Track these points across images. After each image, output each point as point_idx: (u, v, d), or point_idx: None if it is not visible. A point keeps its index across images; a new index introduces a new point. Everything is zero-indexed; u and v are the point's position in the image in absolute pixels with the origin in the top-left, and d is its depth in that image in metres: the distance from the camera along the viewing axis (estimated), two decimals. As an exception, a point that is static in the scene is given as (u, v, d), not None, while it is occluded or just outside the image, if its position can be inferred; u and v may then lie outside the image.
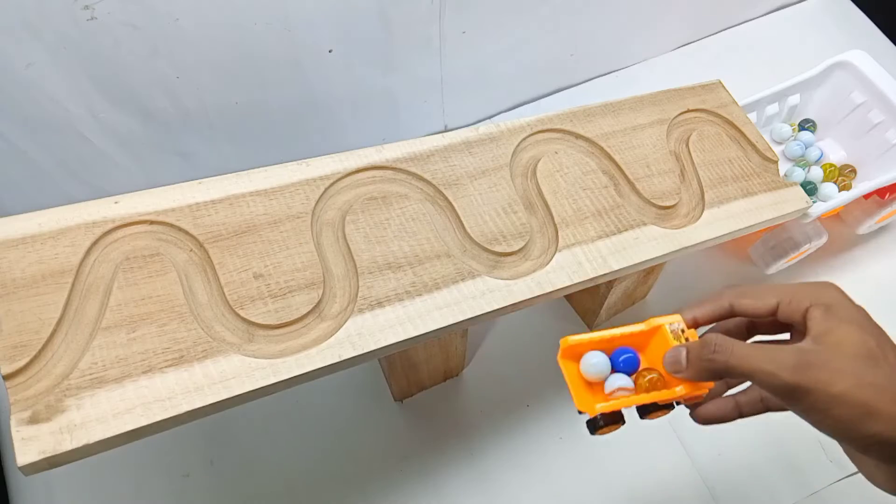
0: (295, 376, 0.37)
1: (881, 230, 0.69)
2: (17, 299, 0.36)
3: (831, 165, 0.64)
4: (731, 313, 0.36)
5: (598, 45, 0.76)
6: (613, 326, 0.36)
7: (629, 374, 0.36)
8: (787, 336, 0.37)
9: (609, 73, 0.80)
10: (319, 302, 0.40)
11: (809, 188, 0.61)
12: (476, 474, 0.56)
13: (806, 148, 0.65)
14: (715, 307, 0.36)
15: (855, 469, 0.56)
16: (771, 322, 0.36)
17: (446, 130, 0.76)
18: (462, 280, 0.43)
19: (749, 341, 0.38)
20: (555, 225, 0.47)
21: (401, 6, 0.59)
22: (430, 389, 0.60)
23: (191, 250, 0.40)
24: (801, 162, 0.65)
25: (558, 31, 0.71)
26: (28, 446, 0.32)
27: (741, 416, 0.36)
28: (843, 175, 0.65)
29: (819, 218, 0.58)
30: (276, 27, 0.55)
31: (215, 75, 0.57)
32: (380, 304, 0.41)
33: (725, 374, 0.32)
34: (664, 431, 0.58)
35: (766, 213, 0.52)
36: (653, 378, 0.35)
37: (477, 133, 0.50)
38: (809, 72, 0.64)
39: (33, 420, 0.33)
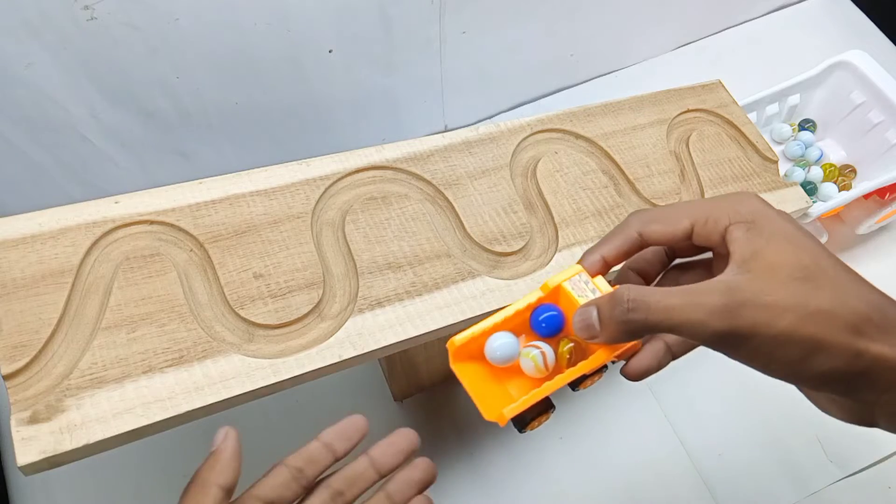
0: (295, 376, 0.38)
1: (881, 230, 0.69)
2: (17, 299, 0.36)
3: (831, 165, 0.64)
4: (642, 244, 0.31)
5: (598, 45, 0.76)
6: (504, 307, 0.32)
7: (556, 336, 0.31)
8: (710, 255, 0.33)
9: (609, 73, 0.80)
10: (319, 302, 0.40)
11: (809, 188, 0.61)
12: (476, 474, 0.56)
13: (806, 148, 0.65)
14: (623, 240, 0.31)
15: (855, 469, 0.56)
16: (689, 245, 0.32)
17: (446, 130, 0.76)
18: (462, 280, 0.43)
19: (670, 266, 0.34)
20: (555, 225, 0.47)
21: (401, 6, 0.59)
22: (430, 389, 0.60)
23: (191, 250, 0.40)
24: (801, 162, 0.65)
25: (558, 30, 0.71)
26: (28, 446, 0.32)
27: (674, 357, 0.32)
28: (843, 175, 0.65)
29: (819, 218, 0.58)
30: (276, 27, 0.55)
31: (215, 75, 0.57)
32: (380, 304, 0.41)
33: (648, 332, 0.28)
34: (664, 431, 0.58)
35: (766, 213, 0.52)
36: (571, 348, 0.31)
37: (477, 133, 0.49)
38: (809, 72, 0.64)
39: (33, 420, 0.33)
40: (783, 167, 0.63)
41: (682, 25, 0.80)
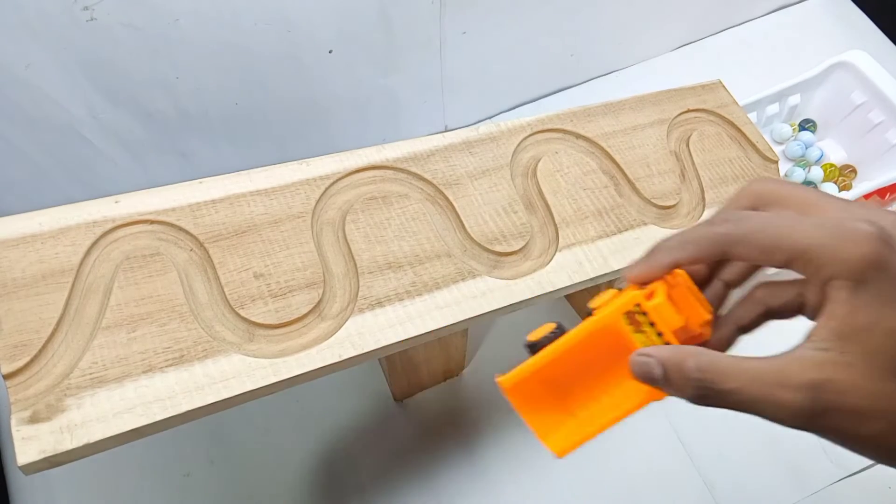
0: (295, 376, 0.37)
1: (881, 230, 0.69)
2: (18, 299, 0.36)
3: (831, 165, 0.64)
4: (724, 257, 0.27)
5: (598, 45, 0.76)
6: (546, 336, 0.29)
7: None
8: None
9: (609, 73, 0.80)
10: (320, 301, 0.40)
11: (809, 188, 0.61)
12: (476, 474, 0.56)
13: (806, 148, 0.65)
14: (705, 253, 0.27)
15: (855, 469, 0.56)
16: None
17: (446, 130, 0.76)
18: (462, 280, 0.43)
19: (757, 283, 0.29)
20: (555, 225, 0.47)
21: (401, 6, 0.59)
22: (430, 389, 0.60)
23: (191, 250, 0.40)
24: (802, 162, 0.65)
25: (558, 31, 0.71)
26: (28, 446, 0.32)
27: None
28: (843, 175, 0.65)
29: (819, 218, 0.58)
30: (276, 27, 0.55)
31: (215, 75, 0.57)
32: (380, 304, 0.41)
33: (721, 405, 0.25)
34: (664, 431, 0.58)
35: (766, 212, 0.52)
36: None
37: (477, 133, 0.50)
38: (809, 72, 0.65)
39: (33, 419, 0.33)
40: (783, 167, 0.63)
41: (682, 25, 0.80)
